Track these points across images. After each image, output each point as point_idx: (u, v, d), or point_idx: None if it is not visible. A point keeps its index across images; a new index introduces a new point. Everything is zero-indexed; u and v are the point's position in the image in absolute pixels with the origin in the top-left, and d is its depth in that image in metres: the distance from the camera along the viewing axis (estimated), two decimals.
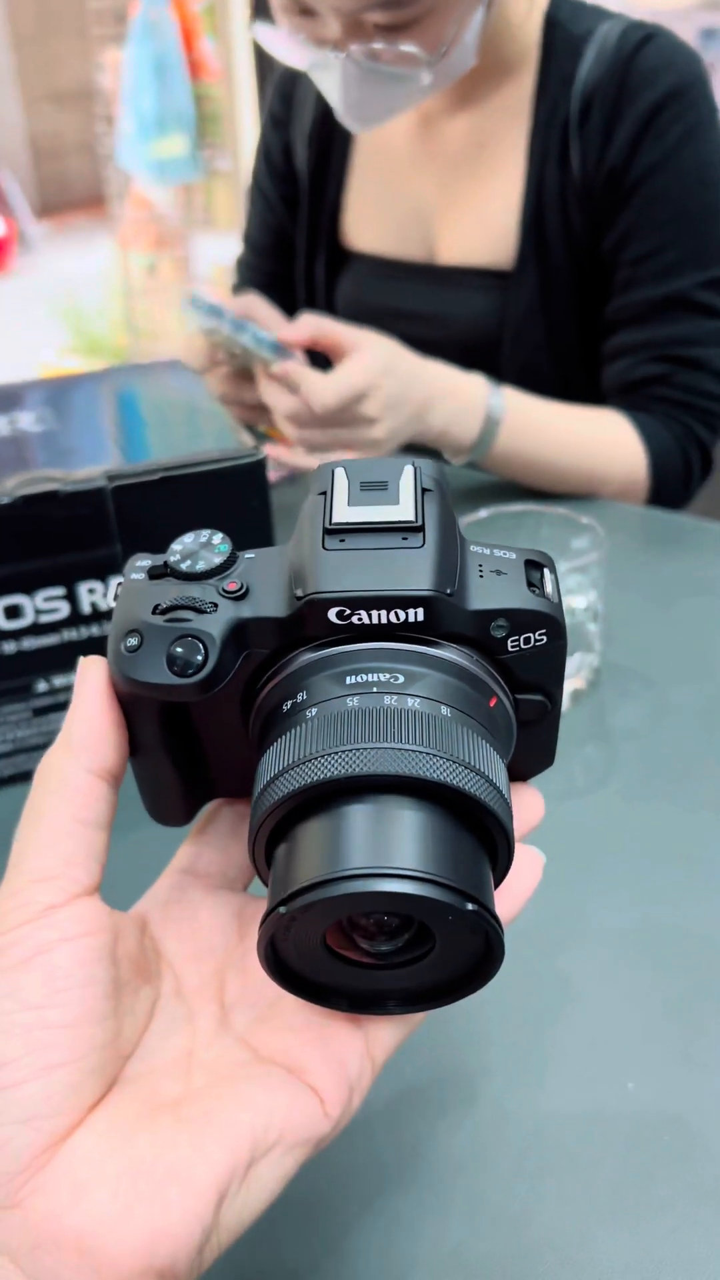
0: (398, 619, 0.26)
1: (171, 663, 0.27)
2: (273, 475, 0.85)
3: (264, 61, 0.82)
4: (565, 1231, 0.35)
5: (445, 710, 0.25)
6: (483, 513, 0.62)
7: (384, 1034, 0.28)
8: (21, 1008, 0.24)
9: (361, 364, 0.73)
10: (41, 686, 0.55)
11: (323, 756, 0.24)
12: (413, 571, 0.26)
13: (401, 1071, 0.40)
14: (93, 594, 0.54)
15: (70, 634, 0.54)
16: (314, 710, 0.26)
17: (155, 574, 0.28)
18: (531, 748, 0.30)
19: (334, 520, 0.27)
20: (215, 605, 0.27)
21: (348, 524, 0.26)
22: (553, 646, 0.28)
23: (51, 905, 0.25)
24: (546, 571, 0.28)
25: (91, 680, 0.28)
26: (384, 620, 0.26)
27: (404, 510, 0.27)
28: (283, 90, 1.02)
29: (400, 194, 0.96)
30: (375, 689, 0.25)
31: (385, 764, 0.24)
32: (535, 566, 0.28)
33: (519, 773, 0.31)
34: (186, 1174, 0.24)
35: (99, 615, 0.54)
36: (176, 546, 0.28)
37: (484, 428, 0.79)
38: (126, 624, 0.27)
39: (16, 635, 0.53)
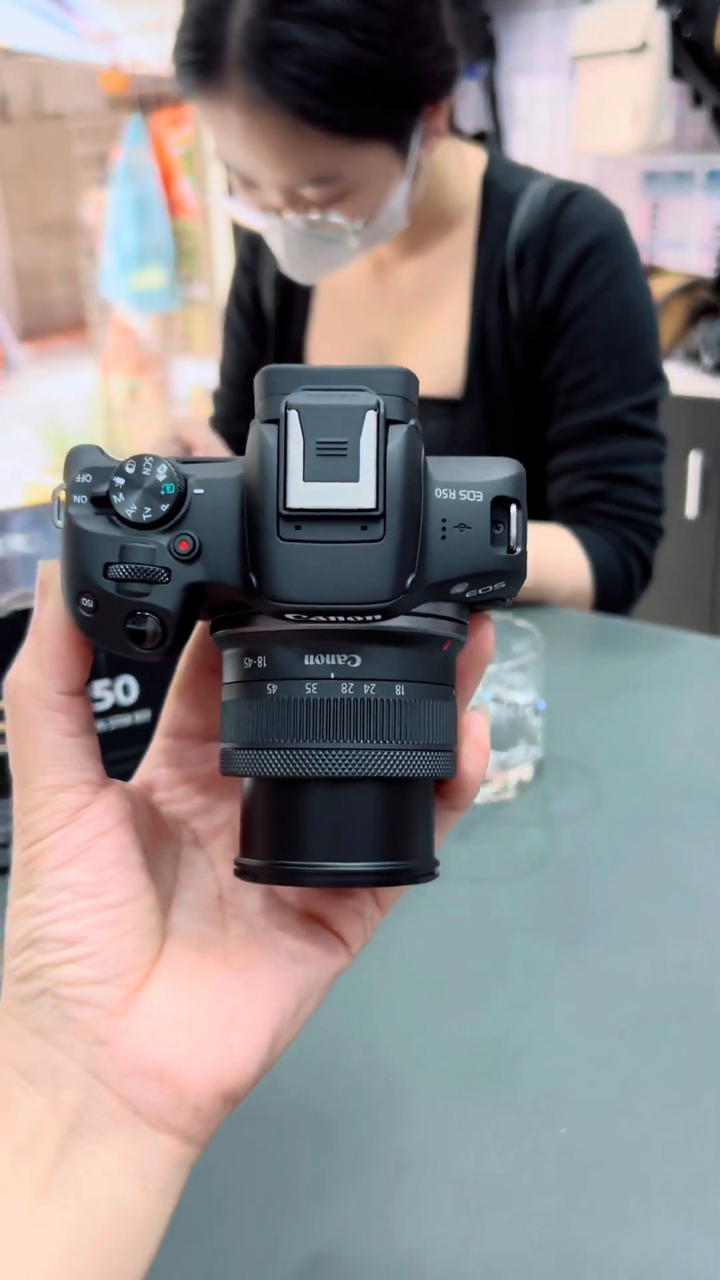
0: (354, 620, 0.26)
1: (131, 636, 0.27)
2: None
3: None
4: (503, 1254, 0.39)
5: (399, 689, 0.27)
6: None
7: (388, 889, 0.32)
8: (77, 897, 0.27)
9: None
10: None
11: (283, 750, 0.27)
12: (371, 575, 0.25)
13: (354, 1128, 0.44)
14: None
15: None
16: (274, 687, 0.27)
17: (98, 500, 0.27)
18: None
19: (289, 505, 0.25)
20: (168, 571, 0.26)
21: (304, 510, 0.25)
22: (513, 585, 0.28)
23: (79, 807, 0.28)
24: (514, 509, 0.27)
25: (54, 598, 0.28)
26: (340, 620, 0.26)
27: (364, 492, 0.25)
28: (251, 241, 1.12)
29: (358, 331, 1.06)
30: (333, 674, 0.27)
31: (339, 765, 0.27)
32: (503, 505, 0.27)
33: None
34: (245, 1020, 0.28)
35: None
36: (119, 480, 0.26)
37: None
38: (79, 580, 0.27)
39: None
